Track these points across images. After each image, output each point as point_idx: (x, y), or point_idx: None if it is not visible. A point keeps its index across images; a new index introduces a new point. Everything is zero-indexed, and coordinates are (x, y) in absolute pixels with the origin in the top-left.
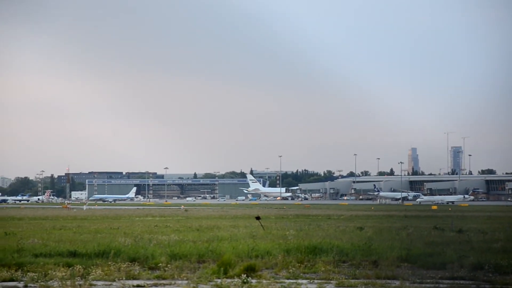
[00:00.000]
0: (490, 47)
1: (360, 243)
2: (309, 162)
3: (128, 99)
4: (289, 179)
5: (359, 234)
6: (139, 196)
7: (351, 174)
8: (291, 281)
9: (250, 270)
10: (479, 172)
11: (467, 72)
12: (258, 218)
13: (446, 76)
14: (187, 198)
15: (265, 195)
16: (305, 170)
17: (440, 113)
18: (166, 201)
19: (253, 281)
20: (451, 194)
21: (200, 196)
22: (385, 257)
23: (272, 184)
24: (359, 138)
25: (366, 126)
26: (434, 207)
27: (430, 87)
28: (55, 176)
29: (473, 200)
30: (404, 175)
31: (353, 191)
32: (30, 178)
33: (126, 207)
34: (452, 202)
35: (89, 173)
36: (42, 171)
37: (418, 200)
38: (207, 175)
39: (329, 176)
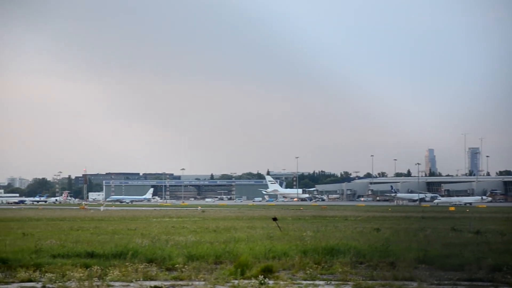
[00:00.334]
0: (500, 47)
1: (377, 245)
2: (326, 163)
3: (145, 101)
4: (305, 180)
5: (376, 235)
6: (156, 197)
7: (368, 175)
8: (308, 282)
9: (267, 271)
10: (496, 173)
11: (484, 73)
12: (275, 219)
13: (462, 76)
14: (206, 199)
15: (283, 196)
16: (321, 171)
17: (457, 114)
18: (183, 202)
19: (270, 282)
20: (468, 195)
21: (217, 197)
22: (402, 258)
23: (289, 185)
24: (375, 139)
25: (383, 127)
26: (452, 209)
27: (448, 88)
28: (73, 177)
29: (491, 201)
30: (421, 176)
31: (370, 192)
32: (48, 179)
33: (143, 208)
34: (470, 203)
35: (106, 174)
36: (60, 172)
37: (435, 201)
38: (224, 176)
39: (346, 177)
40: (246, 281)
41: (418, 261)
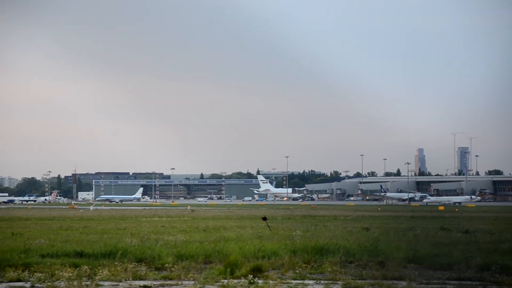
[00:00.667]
0: (494, 48)
1: (367, 244)
2: (316, 163)
3: (134, 100)
4: (295, 180)
5: (365, 234)
6: (146, 196)
7: (358, 175)
8: (298, 281)
9: (257, 271)
10: (486, 172)
11: (473, 73)
12: (264, 218)
13: (453, 76)
14: (199, 199)
15: (275, 196)
16: (311, 170)
17: (447, 114)
18: (173, 202)
19: (260, 281)
20: (458, 194)
21: (207, 197)
22: (391, 257)
23: (279, 185)
24: (365, 139)
25: (372, 127)
26: (441, 208)
27: (436, 88)
28: (62, 176)
29: (480, 201)
30: (411, 175)
31: (359, 192)
32: (37, 179)
33: (132, 207)
34: (459, 202)
35: (96, 173)
36: (49, 171)
37: (425, 200)
38: (214, 176)
39: (335, 177)
40: (235, 281)
41: (408, 261)
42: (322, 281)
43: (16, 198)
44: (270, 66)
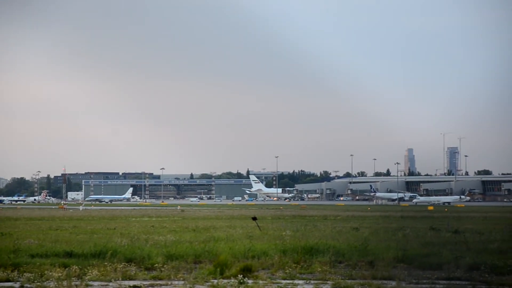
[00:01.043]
0: (488, 48)
1: (357, 244)
2: (306, 163)
3: (124, 100)
4: (285, 180)
5: (355, 234)
6: (136, 196)
7: (348, 175)
8: (288, 281)
9: (247, 271)
10: (475, 172)
11: (464, 73)
12: (254, 218)
13: (443, 77)
14: (191, 199)
15: (267, 196)
16: (301, 170)
17: (436, 114)
18: (163, 202)
19: (250, 281)
20: (447, 194)
21: (196, 197)
22: (381, 257)
23: (269, 185)
24: (355, 139)
25: (362, 127)
26: (430, 208)
27: (426, 88)
28: (52, 176)
29: (469, 201)
30: (401, 175)
31: (349, 192)
32: (26, 179)
33: (122, 207)
34: (449, 202)
35: (86, 173)
36: (39, 171)
37: (414, 200)
38: (204, 176)
39: (325, 177)
40: (225, 281)
41: (397, 260)
42: (312, 281)
43: (5, 198)
44: (265, 65)
